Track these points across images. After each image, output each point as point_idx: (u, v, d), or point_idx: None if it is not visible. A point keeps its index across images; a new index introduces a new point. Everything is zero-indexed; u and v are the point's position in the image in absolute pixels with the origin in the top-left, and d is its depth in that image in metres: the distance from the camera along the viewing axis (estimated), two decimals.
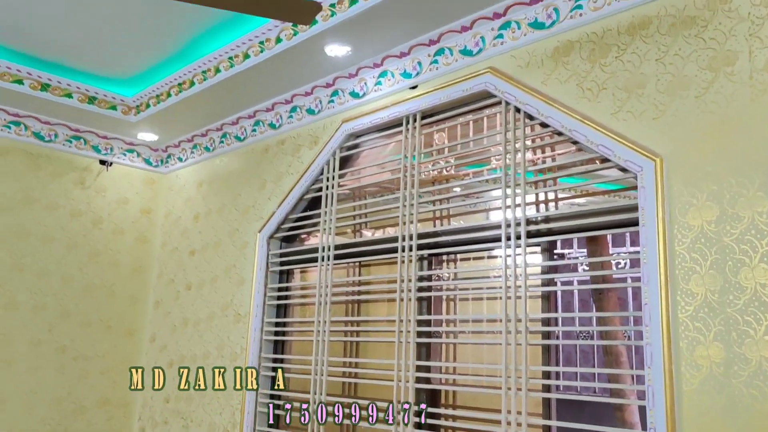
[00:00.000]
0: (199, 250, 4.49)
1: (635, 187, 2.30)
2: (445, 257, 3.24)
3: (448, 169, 3.27)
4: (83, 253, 4.62)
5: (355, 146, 3.54)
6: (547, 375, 2.57)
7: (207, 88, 3.73)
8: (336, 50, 3.19)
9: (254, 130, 4.16)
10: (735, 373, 1.96)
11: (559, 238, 2.62)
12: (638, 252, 2.25)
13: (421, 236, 3.03)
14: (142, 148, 4.93)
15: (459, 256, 3.24)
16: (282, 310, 3.84)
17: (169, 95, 4.03)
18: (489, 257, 3.19)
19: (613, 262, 4.06)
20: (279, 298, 3.83)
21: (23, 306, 4.32)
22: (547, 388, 2.57)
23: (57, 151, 4.57)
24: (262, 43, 3.33)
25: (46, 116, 4.42)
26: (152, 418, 4.57)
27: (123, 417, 4.67)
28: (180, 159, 4.84)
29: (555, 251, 2.79)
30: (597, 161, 2.50)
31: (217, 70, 3.62)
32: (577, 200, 2.75)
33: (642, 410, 2.29)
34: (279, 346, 3.79)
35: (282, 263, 3.87)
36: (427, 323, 3.00)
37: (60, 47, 3.72)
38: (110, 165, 4.79)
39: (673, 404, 2.05)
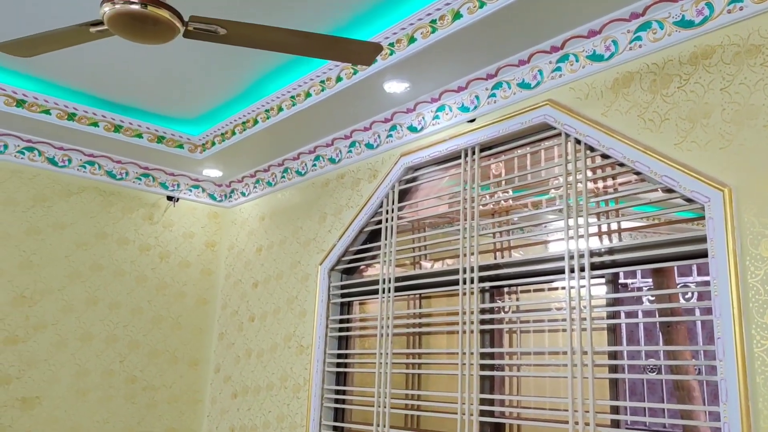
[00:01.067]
0: (261, 282, 4.60)
1: (703, 218, 2.26)
2: (505, 289, 3.23)
3: (506, 200, 3.28)
4: (151, 286, 4.80)
5: (414, 179, 3.59)
6: (614, 409, 2.52)
7: (270, 126, 3.86)
8: (394, 87, 3.27)
9: (314, 165, 4.27)
10: None
11: (623, 270, 2.59)
12: (706, 281, 2.20)
13: (482, 268, 3.04)
14: (207, 183, 5.12)
15: (520, 287, 3.23)
16: (343, 342, 3.89)
17: (233, 133, 4.18)
18: (549, 289, 3.16)
19: (680, 294, 3.96)
20: (340, 329, 3.88)
21: (97, 338, 4.50)
22: (615, 423, 2.52)
23: (127, 189, 4.79)
24: (323, 82, 3.44)
25: (118, 155, 4.65)
26: None
27: None
28: (243, 194, 5.00)
29: (618, 281, 2.75)
30: (659, 190, 2.47)
31: (280, 109, 3.75)
32: (642, 230, 2.71)
33: None
34: (341, 378, 3.83)
35: (343, 295, 3.93)
36: (490, 356, 2.99)
37: (132, 91, 3.94)
38: (177, 201, 4.99)
39: None
